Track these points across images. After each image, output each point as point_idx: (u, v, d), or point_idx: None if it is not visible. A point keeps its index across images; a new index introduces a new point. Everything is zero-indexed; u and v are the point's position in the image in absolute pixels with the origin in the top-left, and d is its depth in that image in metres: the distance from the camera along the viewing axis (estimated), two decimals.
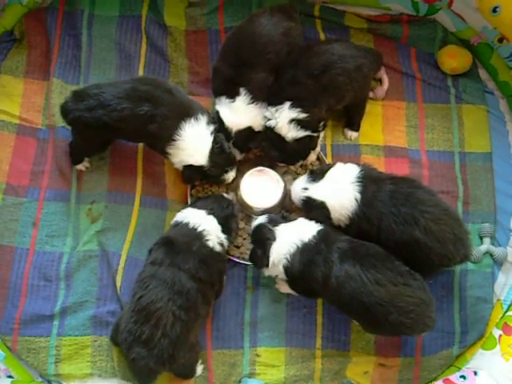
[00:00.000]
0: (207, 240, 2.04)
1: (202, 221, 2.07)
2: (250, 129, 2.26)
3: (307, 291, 2.11)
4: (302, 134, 2.22)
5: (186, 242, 2.01)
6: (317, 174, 2.16)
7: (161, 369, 1.93)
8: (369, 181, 2.06)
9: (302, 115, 2.20)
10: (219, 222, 2.10)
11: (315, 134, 2.27)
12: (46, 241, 2.30)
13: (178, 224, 2.10)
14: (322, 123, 2.28)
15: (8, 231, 2.30)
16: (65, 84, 2.48)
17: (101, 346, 2.17)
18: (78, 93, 2.20)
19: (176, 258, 1.97)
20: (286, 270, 2.03)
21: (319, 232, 2.03)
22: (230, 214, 2.16)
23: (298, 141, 2.24)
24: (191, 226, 2.06)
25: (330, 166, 2.16)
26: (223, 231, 2.10)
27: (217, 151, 2.17)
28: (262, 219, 2.12)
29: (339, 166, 2.15)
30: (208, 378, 2.17)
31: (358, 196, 2.04)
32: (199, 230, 2.04)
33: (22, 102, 2.47)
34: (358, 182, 2.06)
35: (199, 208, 2.12)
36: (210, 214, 2.10)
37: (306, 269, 1.99)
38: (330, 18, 2.58)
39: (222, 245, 2.09)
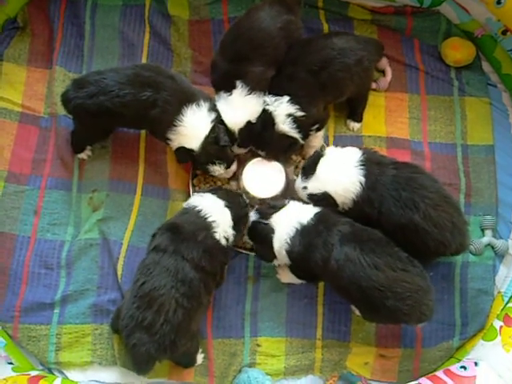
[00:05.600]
0: (214, 232, 2.02)
1: (217, 211, 2.05)
2: (249, 123, 2.24)
3: (308, 274, 2.11)
4: (291, 132, 2.22)
5: (192, 231, 1.99)
6: (308, 169, 2.13)
7: (162, 356, 1.92)
8: (372, 164, 2.06)
9: (299, 113, 2.19)
10: (233, 219, 2.07)
11: (301, 142, 2.26)
12: (48, 229, 2.31)
13: (188, 210, 2.07)
14: (315, 126, 2.27)
15: (9, 219, 2.30)
16: (67, 72, 2.47)
17: (101, 335, 2.18)
18: (78, 81, 2.20)
19: (180, 246, 1.96)
20: (288, 253, 2.03)
21: (316, 214, 2.04)
22: (245, 216, 2.13)
23: (282, 136, 2.22)
24: (203, 214, 2.03)
25: (319, 155, 2.13)
26: (233, 228, 2.07)
27: (211, 140, 2.17)
28: (252, 217, 2.12)
29: (334, 150, 2.14)
30: (208, 367, 2.18)
31: (363, 179, 2.04)
32: (210, 219, 2.02)
33: (25, 90, 2.47)
34: (361, 165, 2.05)
35: (220, 198, 2.09)
36: (227, 207, 2.07)
37: (306, 251, 1.99)
38: (334, 8, 2.58)
39: (227, 239, 2.06)
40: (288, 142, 2.25)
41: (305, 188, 2.13)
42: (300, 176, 2.17)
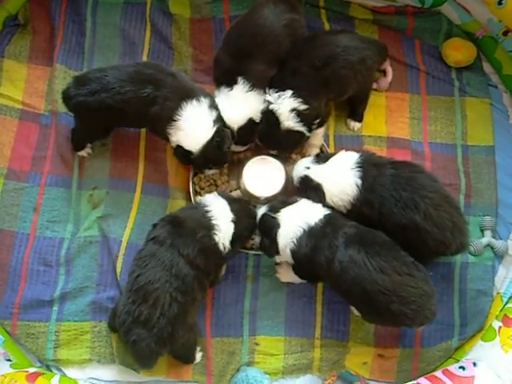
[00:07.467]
0: (214, 234, 2.01)
1: (223, 219, 2.04)
2: (250, 121, 2.24)
3: (311, 275, 2.11)
4: (297, 127, 2.21)
5: (192, 227, 1.99)
6: (321, 158, 2.17)
7: (162, 349, 1.92)
8: (369, 165, 2.07)
9: (303, 107, 2.19)
10: (233, 235, 2.05)
11: (308, 134, 2.26)
12: (47, 226, 2.30)
13: (196, 206, 2.07)
14: (317, 120, 2.27)
15: (9, 216, 2.30)
16: (68, 70, 2.47)
17: (100, 332, 2.18)
18: (80, 78, 2.20)
19: (178, 241, 1.95)
20: (293, 253, 2.03)
21: (326, 216, 2.03)
22: (246, 237, 2.13)
23: (289, 132, 2.23)
24: (209, 214, 2.02)
25: (336, 154, 2.16)
26: (231, 243, 2.05)
27: (214, 146, 2.15)
28: (263, 209, 2.12)
29: (341, 153, 2.16)
30: (206, 366, 2.18)
31: (359, 182, 2.04)
32: (213, 222, 2.01)
33: (25, 87, 2.47)
34: (357, 167, 2.06)
35: (231, 210, 2.06)
36: (233, 222, 2.05)
37: (311, 252, 1.99)
38: (335, 8, 2.58)
39: (224, 247, 2.05)
40: (296, 137, 2.25)
41: (307, 168, 2.15)
42: (311, 158, 2.19)
